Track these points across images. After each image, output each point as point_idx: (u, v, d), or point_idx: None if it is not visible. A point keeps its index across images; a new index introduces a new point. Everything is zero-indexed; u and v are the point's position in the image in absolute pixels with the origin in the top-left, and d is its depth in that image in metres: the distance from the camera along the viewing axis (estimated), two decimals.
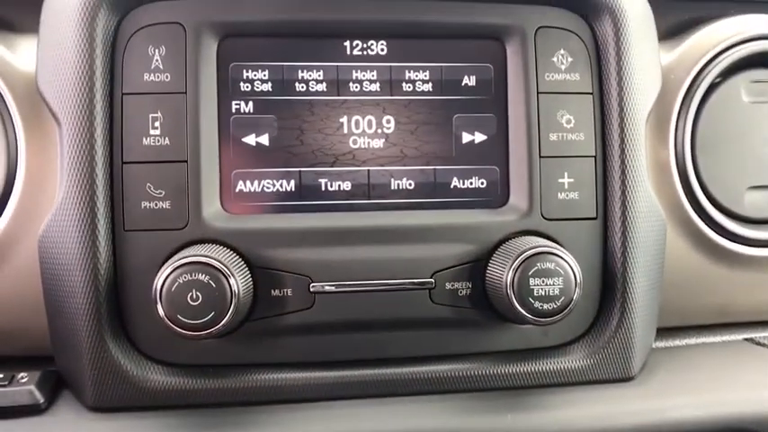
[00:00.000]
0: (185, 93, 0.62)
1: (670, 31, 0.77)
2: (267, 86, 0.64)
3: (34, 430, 0.61)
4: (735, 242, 0.74)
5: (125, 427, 0.62)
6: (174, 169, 0.61)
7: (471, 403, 0.65)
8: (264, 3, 0.63)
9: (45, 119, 0.63)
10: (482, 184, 0.67)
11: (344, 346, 0.65)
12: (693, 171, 0.73)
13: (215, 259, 0.57)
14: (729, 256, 0.74)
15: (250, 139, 0.64)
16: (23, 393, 0.61)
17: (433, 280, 0.64)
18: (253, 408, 0.63)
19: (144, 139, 0.61)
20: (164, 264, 0.58)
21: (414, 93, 0.66)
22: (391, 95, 0.66)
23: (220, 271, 0.57)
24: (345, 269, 0.63)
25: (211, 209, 0.62)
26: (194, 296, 0.56)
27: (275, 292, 0.62)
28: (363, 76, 0.66)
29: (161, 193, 0.61)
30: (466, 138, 0.67)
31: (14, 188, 0.64)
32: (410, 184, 0.66)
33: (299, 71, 0.65)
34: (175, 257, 0.58)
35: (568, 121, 0.66)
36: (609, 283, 0.67)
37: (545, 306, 0.59)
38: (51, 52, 0.61)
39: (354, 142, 0.65)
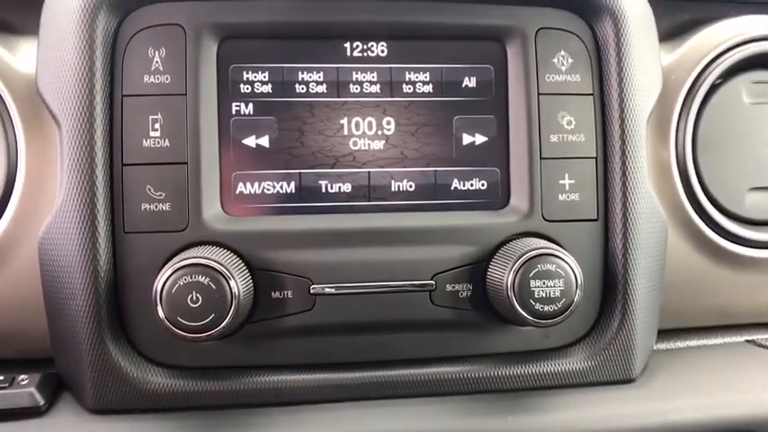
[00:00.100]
0: (185, 94, 0.62)
1: (671, 32, 0.77)
2: (267, 88, 0.64)
3: None
4: (736, 243, 0.74)
5: (125, 430, 0.62)
6: (175, 171, 0.61)
7: (472, 405, 0.65)
8: (264, 4, 0.63)
9: (45, 121, 0.63)
10: (482, 185, 0.67)
11: (345, 348, 0.64)
12: (694, 172, 0.73)
13: (215, 261, 0.57)
14: (730, 258, 0.74)
15: (250, 141, 0.64)
16: (24, 395, 0.61)
17: (433, 282, 0.64)
18: (253, 410, 0.63)
19: (144, 141, 0.61)
20: (164, 266, 0.58)
21: (414, 94, 0.66)
22: (391, 97, 0.66)
23: (221, 273, 0.56)
24: (346, 271, 0.63)
25: (212, 211, 0.62)
26: (194, 298, 0.56)
27: (275, 294, 0.62)
28: (363, 77, 0.65)
29: (161, 195, 0.61)
30: (466, 139, 0.66)
31: (14, 190, 0.64)
32: (410, 186, 0.66)
33: (300, 73, 0.65)
34: (176, 259, 0.58)
35: (569, 123, 0.66)
36: (610, 284, 0.67)
37: (546, 308, 0.59)
38: (51, 54, 0.61)
39: (355, 144, 0.65)
